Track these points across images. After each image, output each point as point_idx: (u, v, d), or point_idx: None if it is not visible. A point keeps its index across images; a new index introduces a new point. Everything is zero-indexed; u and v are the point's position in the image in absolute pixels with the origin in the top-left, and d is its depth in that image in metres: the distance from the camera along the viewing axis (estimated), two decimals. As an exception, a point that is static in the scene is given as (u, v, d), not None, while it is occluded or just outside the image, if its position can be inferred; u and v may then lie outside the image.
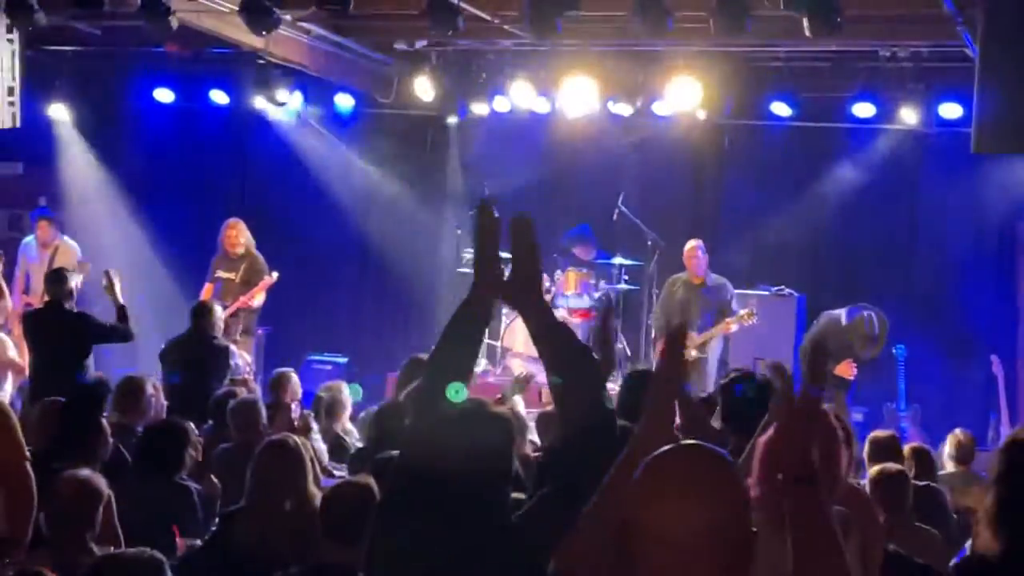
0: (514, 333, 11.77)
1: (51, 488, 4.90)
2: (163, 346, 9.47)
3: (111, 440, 6.06)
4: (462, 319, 3.13)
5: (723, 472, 2.22)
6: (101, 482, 4.93)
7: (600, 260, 12.09)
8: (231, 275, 11.30)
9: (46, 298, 9.45)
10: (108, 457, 6.01)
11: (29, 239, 12.12)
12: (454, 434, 3.00)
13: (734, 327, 10.90)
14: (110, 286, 9.21)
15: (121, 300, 9.22)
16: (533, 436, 7.08)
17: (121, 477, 5.72)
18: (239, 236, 11.38)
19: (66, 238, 12.04)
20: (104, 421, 6.08)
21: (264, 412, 7.25)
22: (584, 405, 3.03)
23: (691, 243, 11.32)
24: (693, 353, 10.65)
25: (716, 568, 2.13)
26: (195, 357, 9.11)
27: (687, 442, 2.31)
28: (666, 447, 2.25)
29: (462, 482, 2.95)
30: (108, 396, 7.18)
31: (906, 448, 6.86)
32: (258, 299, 11.29)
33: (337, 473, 7.07)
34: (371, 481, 4.71)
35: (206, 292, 11.13)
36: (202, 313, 9.41)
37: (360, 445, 7.50)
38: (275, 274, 11.35)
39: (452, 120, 12.82)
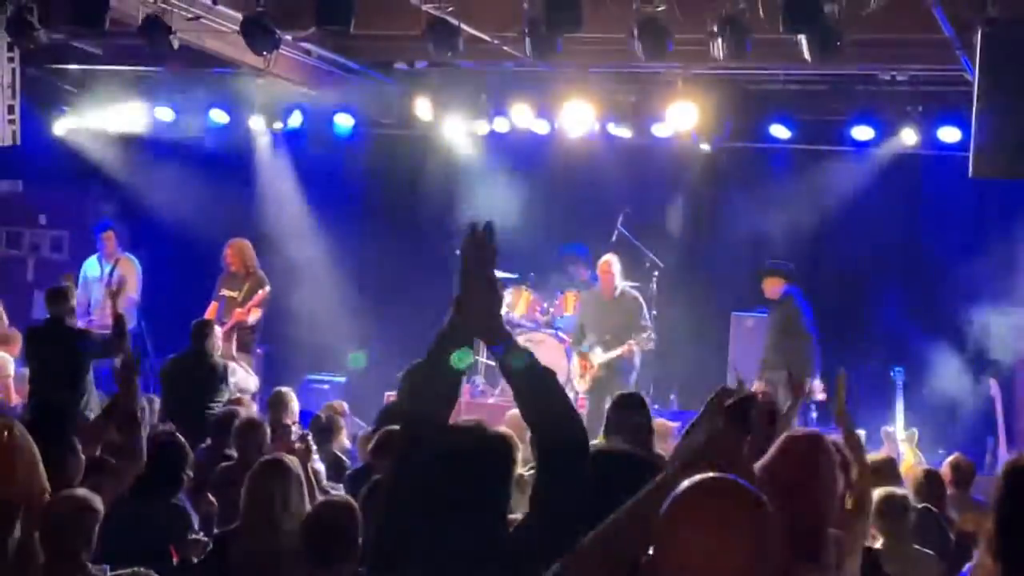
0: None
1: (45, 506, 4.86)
2: (163, 363, 9.48)
3: (83, 458, 5.94)
4: (448, 336, 3.12)
5: (754, 509, 2.19)
6: (96, 500, 4.91)
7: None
8: (234, 293, 11.36)
9: (47, 315, 9.44)
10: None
11: (88, 261, 12.09)
12: (451, 452, 3.00)
13: (635, 349, 10.82)
14: (116, 292, 9.18)
15: (120, 309, 9.22)
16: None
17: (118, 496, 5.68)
18: (235, 256, 11.43)
19: (128, 254, 12.07)
20: (74, 439, 5.88)
21: (268, 433, 7.23)
22: (550, 418, 3.01)
23: (604, 258, 11.20)
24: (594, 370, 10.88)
25: None
26: (194, 375, 9.11)
27: (716, 476, 2.27)
28: (694, 482, 2.23)
29: (458, 500, 2.94)
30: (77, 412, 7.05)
31: (919, 470, 6.90)
32: (254, 316, 11.28)
33: (334, 493, 7.04)
34: (350, 501, 4.69)
35: (211, 310, 11.16)
36: (202, 332, 9.42)
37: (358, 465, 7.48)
38: (267, 287, 11.36)
39: (451, 141, 12.81)
